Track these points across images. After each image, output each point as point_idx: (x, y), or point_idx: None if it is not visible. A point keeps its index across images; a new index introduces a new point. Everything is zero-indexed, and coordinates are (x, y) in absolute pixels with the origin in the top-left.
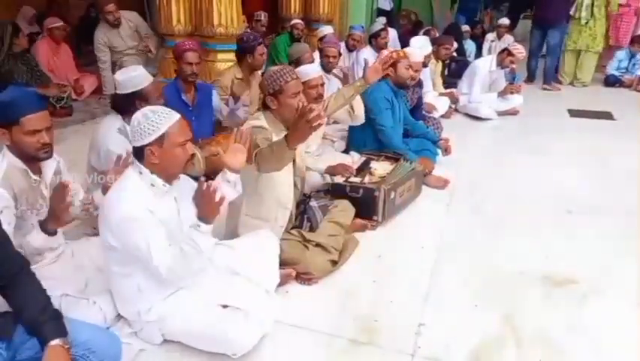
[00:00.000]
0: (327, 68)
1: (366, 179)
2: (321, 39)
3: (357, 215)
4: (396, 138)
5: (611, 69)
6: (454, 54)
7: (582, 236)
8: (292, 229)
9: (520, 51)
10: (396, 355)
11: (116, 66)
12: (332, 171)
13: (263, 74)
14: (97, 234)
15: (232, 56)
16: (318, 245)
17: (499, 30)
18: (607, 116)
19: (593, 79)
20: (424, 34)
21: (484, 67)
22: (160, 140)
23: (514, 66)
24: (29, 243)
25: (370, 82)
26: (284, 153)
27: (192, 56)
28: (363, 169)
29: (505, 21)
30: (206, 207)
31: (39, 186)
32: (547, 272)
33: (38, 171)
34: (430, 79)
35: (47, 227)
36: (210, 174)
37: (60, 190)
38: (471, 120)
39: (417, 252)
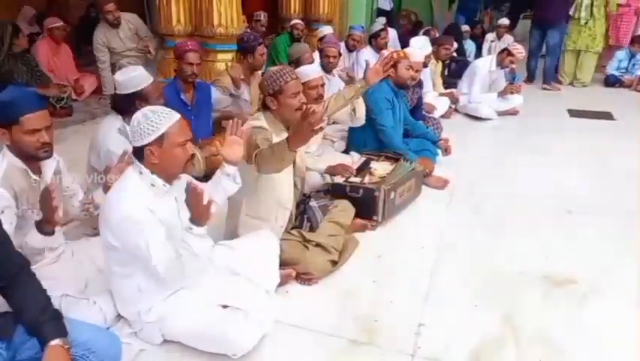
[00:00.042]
0: (327, 68)
1: (366, 179)
2: (321, 39)
3: (357, 215)
4: (397, 138)
5: (611, 69)
6: (454, 54)
7: (582, 236)
8: (292, 229)
9: (520, 51)
10: (396, 355)
11: (115, 67)
12: (332, 171)
13: (263, 74)
14: (97, 234)
15: (231, 56)
16: (318, 245)
17: (499, 30)
18: (607, 116)
19: (593, 79)
20: (424, 34)
21: (484, 67)
22: (160, 140)
23: (513, 66)
24: (28, 243)
25: (371, 83)
26: (285, 154)
27: (193, 56)
28: (363, 169)
29: (504, 21)
30: (195, 209)
31: (39, 185)
32: (547, 272)
33: (38, 171)
34: (430, 79)
35: (42, 228)
36: (210, 175)
37: (46, 194)
38: (471, 120)
39: (417, 252)
